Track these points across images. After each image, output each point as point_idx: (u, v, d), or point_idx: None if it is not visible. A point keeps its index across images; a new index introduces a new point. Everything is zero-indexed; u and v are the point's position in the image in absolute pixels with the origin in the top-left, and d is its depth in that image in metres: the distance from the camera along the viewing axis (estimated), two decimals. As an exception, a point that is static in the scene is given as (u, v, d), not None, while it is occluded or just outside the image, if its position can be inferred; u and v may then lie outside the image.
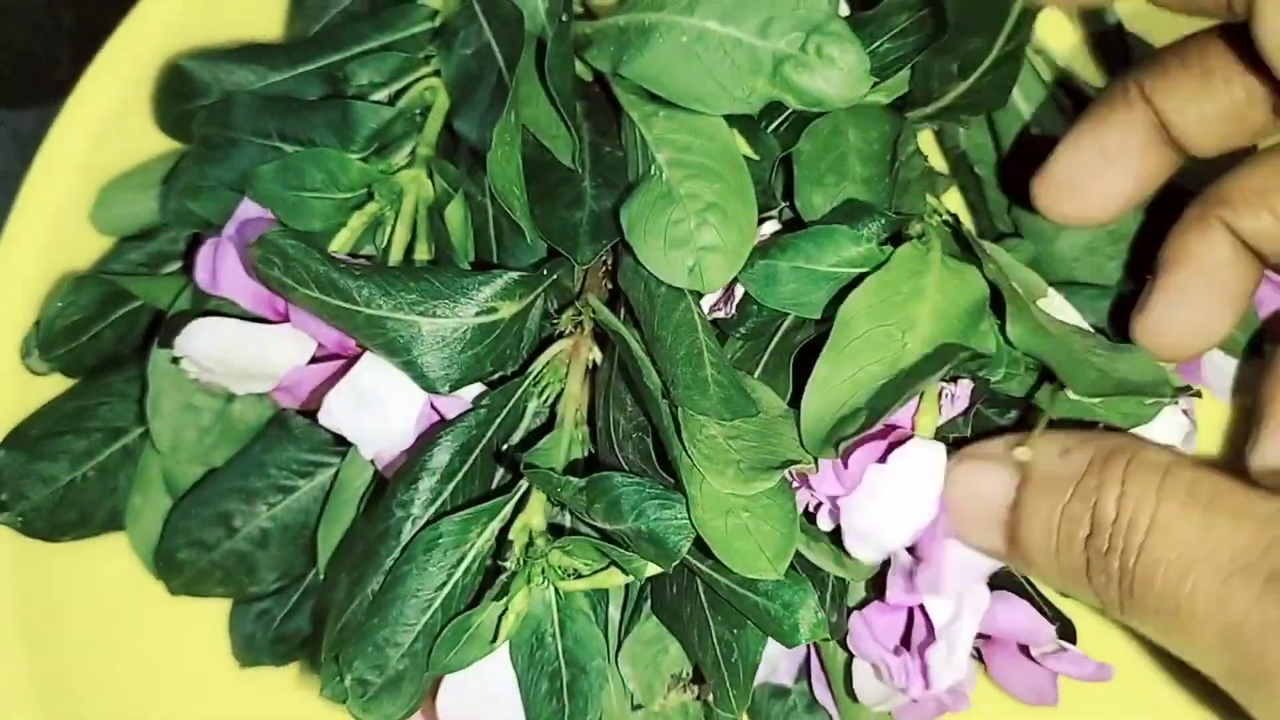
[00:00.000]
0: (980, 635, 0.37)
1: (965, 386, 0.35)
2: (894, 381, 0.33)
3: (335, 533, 0.39)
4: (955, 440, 0.35)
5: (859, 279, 0.35)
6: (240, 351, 0.37)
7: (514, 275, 0.36)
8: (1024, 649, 0.36)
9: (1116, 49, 0.43)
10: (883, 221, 0.36)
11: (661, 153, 0.36)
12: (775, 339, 0.36)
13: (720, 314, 0.38)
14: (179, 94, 0.42)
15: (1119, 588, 0.29)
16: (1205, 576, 0.27)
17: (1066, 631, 0.41)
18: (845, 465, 0.33)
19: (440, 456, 0.35)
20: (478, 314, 0.35)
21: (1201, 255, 0.34)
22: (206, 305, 0.39)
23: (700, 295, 0.36)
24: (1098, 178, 0.35)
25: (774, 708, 0.40)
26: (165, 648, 0.42)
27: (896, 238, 0.36)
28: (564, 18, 0.38)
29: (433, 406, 0.37)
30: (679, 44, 0.36)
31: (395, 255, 0.39)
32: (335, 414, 0.36)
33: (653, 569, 0.33)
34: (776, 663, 0.39)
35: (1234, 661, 0.27)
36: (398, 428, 0.36)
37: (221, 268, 0.38)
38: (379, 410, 0.36)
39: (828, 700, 0.39)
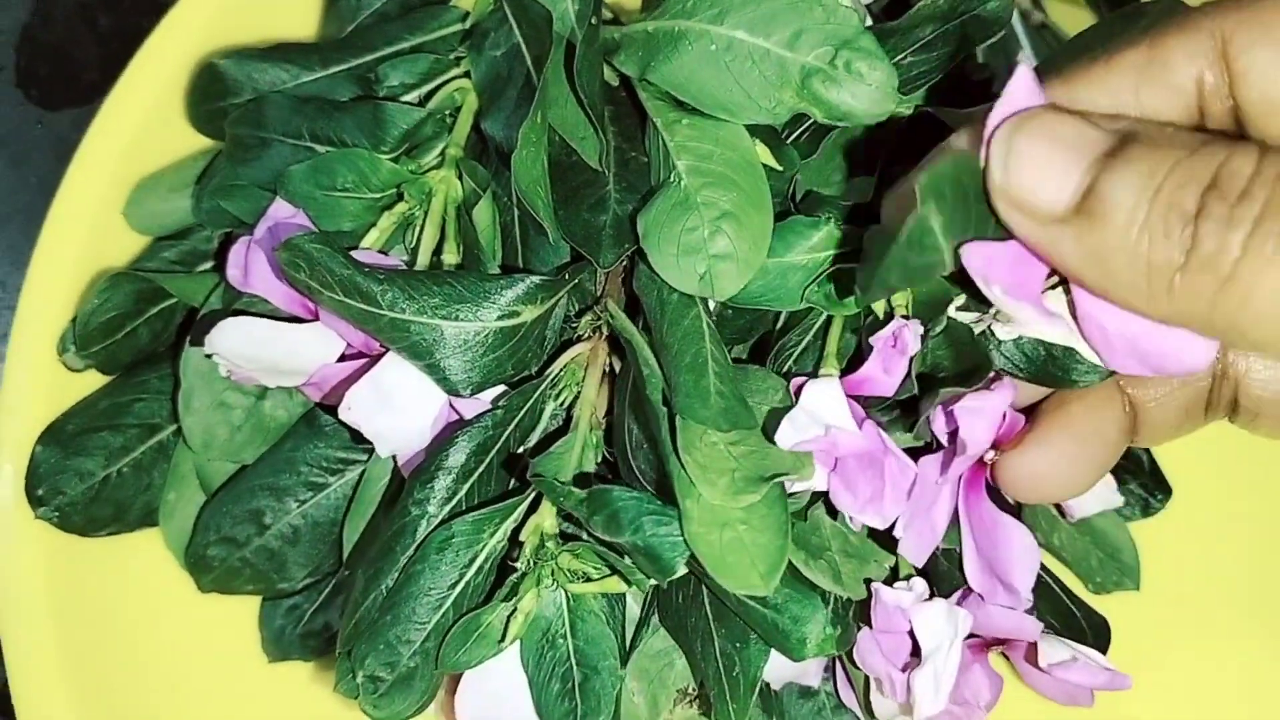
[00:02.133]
0: (998, 641, 0.38)
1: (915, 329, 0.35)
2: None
3: (359, 528, 0.41)
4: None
5: (825, 266, 0.37)
6: (270, 349, 0.39)
7: (536, 279, 0.37)
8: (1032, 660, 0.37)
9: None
10: (837, 210, 0.37)
11: (682, 160, 0.37)
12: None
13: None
14: (212, 93, 0.44)
15: (1249, 239, 0.24)
16: None
17: (1100, 632, 0.42)
18: None
19: (456, 456, 0.37)
20: (500, 318, 0.37)
21: (1085, 421, 0.34)
22: (238, 303, 0.41)
23: (708, 303, 0.37)
24: (1062, 470, 0.34)
25: (802, 708, 0.41)
26: (198, 642, 0.44)
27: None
28: (593, 20, 0.40)
29: (451, 406, 0.38)
30: (707, 52, 0.37)
31: (424, 254, 0.41)
32: (355, 410, 0.37)
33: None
34: (805, 665, 0.40)
35: None
36: (415, 426, 0.38)
37: (253, 266, 0.40)
38: (398, 409, 0.37)
39: (853, 703, 0.40)
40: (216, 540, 0.42)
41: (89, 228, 0.45)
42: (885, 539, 0.36)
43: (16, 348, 0.44)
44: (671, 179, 0.37)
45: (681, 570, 0.33)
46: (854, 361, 0.36)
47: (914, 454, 0.34)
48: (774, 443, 0.33)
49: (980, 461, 0.33)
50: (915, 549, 0.34)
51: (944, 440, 0.34)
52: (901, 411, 0.36)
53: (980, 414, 0.32)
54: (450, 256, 0.41)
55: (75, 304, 0.44)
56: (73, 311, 0.44)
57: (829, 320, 0.37)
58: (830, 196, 0.37)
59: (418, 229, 0.42)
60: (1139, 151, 0.26)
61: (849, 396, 0.34)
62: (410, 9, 0.46)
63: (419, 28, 0.45)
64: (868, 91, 0.36)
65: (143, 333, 0.43)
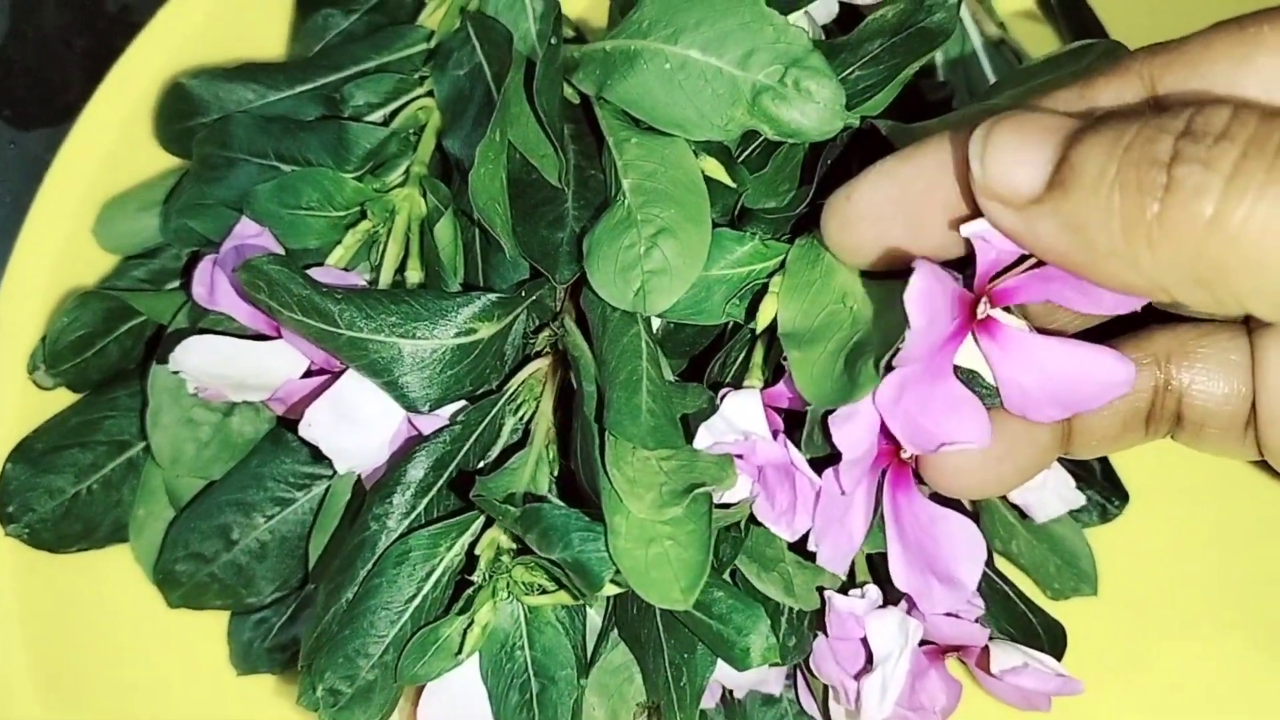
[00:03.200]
0: (954, 647, 0.39)
1: None
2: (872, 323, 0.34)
3: (323, 544, 0.42)
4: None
5: (749, 280, 0.38)
6: (235, 366, 0.40)
7: (493, 297, 0.38)
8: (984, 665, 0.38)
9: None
10: (765, 223, 0.38)
11: (628, 178, 0.38)
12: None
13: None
14: (180, 112, 0.45)
15: (1234, 170, 0.24)
16: None
17: (1056, 638, 0.43)
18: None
19: (415, 472, 0.38)
20: (457, 335, 0.38)
21: (1017, 420, 0.33)
22: (204, 320, 0.42)
23: (649, 321, 0.38)
24: (986, 467, 0.34)
25: (765, 715, 0.42)
26: (167, 656, 0.45)
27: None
28: (553, 40, 0.41)
29: (410, 421, 0.39)
30: (662, 71, 0.38)
31: (387, 272, 0.42)
32: (315, 428, 0.38)
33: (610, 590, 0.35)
34: (765, 673, 0.41)
35: None
36: (374, 443, 0.39)
37: (218, 284, 0.41)
38: (357, 426, 0.38)
39: (814, 710, 0.41)
40: (185, 556, 0.43)
41: (60, 247, 0.46)
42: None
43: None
44: (618, 197, 0.38)
45: (610, 586, 0.34)
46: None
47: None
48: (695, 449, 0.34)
49: (902, 461, 0.34)
50: (833, 558, 0.34)
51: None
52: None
53: (852, 419, 0.32)
54: (414, 274, 0.42)
55: (46, 323, 0.45)
56: (43, 330, 0.45)
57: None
58: (762, 211, 0.38)
59: (382, 246, 0.43)
60: (1108, 121, 0.27)
61: (770, 408, 0.35)
62: (377, 29, 0.47)
63: (384, 47, 0.46)
64: (816, 109, 0.37)
65: (112, 350, 0.45)
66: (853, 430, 0.32)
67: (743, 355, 0.38)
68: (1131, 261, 0.26)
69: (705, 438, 0.34)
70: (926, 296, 0.29)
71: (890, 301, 0.32)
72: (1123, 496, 0.45)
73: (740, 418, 0.34)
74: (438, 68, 0.44)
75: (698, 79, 0.38)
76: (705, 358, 0.39)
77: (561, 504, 0.36)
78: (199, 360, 0.39)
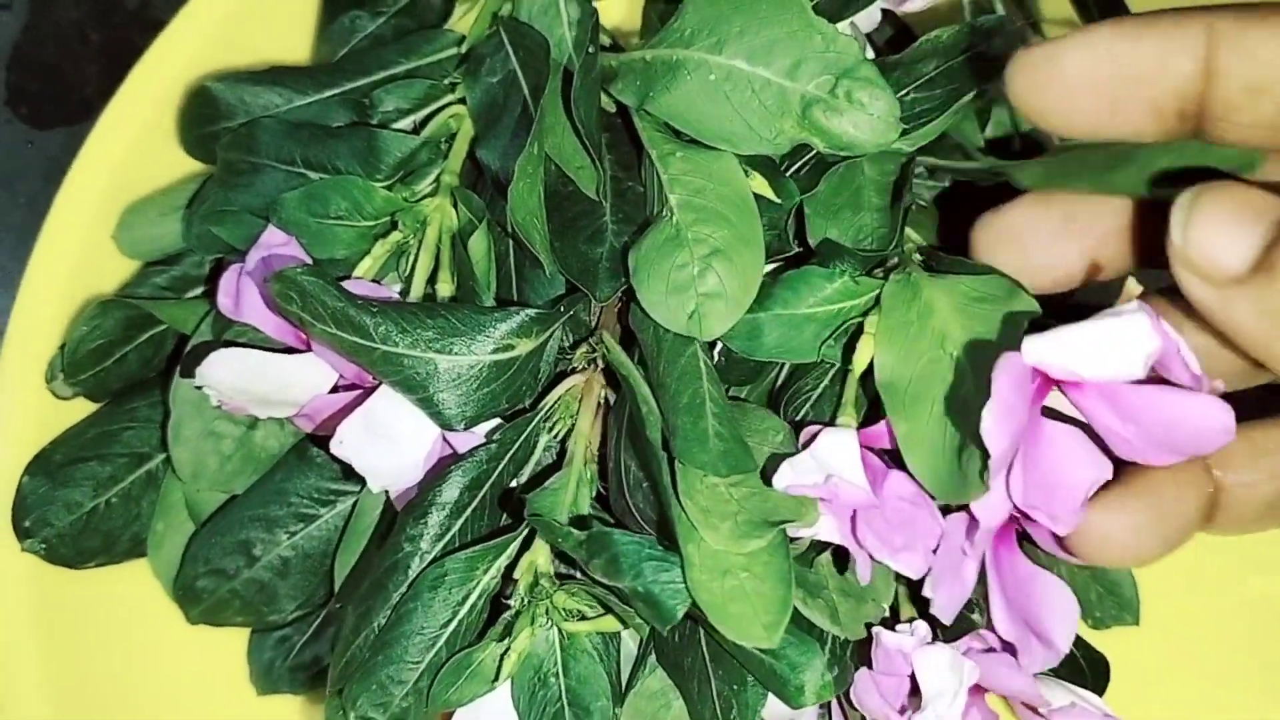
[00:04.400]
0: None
1: None
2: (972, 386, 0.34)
3: (350, 562, 0.42)
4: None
5: (841, 319, 0.37)
6: (262, 381, 0.39)
7: (531, 312, 0.38)
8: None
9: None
10: (854, 259, 0.37)
11: (675, 194, 0.37)
12: (775, 388, 0.38)
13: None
14: (204, 116, 0.45)
15: None
16: None
17: (1099, 670, 0.42)
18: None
19: (449, 491, 0.38)
20: (494, 351, 0.37)
21: (1167, 491, 0.33)
22: (228, 332, 0.41)
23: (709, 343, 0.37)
24: (1049, 243, 0.34)
25: (798, 747, 0.42)
26: (186, 673, 0.45)
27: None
28: (590, 49, 0.40)
29: (445, 439, 0.38)
30: (706, 82, 0.38)
31: (418, 283, 0.41)
32: (347, 445, 0.38)
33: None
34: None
35: None
36: (408, 461, 0.38)
37: (244, 295, 0.40)
38: (391, 443, 0.38)
39: None
40: (205, 572, 0.42)
41: (78, 252, 0.45)
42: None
43: (4, 375, 0.44)
44: (664, 213, 0.37)
45: (681, 617, 0.33)
46: (872, 411, 0.36)
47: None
48: (771, 486, 0.34)
49: (1011, 517, 0.34)
50: (947, 607, 0.34)
51: None
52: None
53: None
54: (445, 286, 0.41)
55: (64, 330, 0.45)
56: (61, 338, 0.44)
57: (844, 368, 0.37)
58: (847, 247, 0.37)
59: (412, 257, 0.42)
60: None
61: (866, 448, 0.34)
62: (405, 32, 0.46)
63: (413, 51, 0.45)
64: (870, 121, 0.36)
65: (132, 359, 0.44)
66: (991, 503, 0.32)
67: (819, 387, 0.37)
68: None
69: (786, 476, 0.33)
70: (1005, 415, 0.29)
71: (990, 350, 0.32)
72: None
73: (833, 458, 0.33)
74: (469, 74, 0.43)
75: (744, 90, 0.37)
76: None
77: (627, 529, 0.35)
78: (225, 374, 0.39)
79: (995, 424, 0.30)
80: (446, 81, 0.45)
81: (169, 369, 0.44)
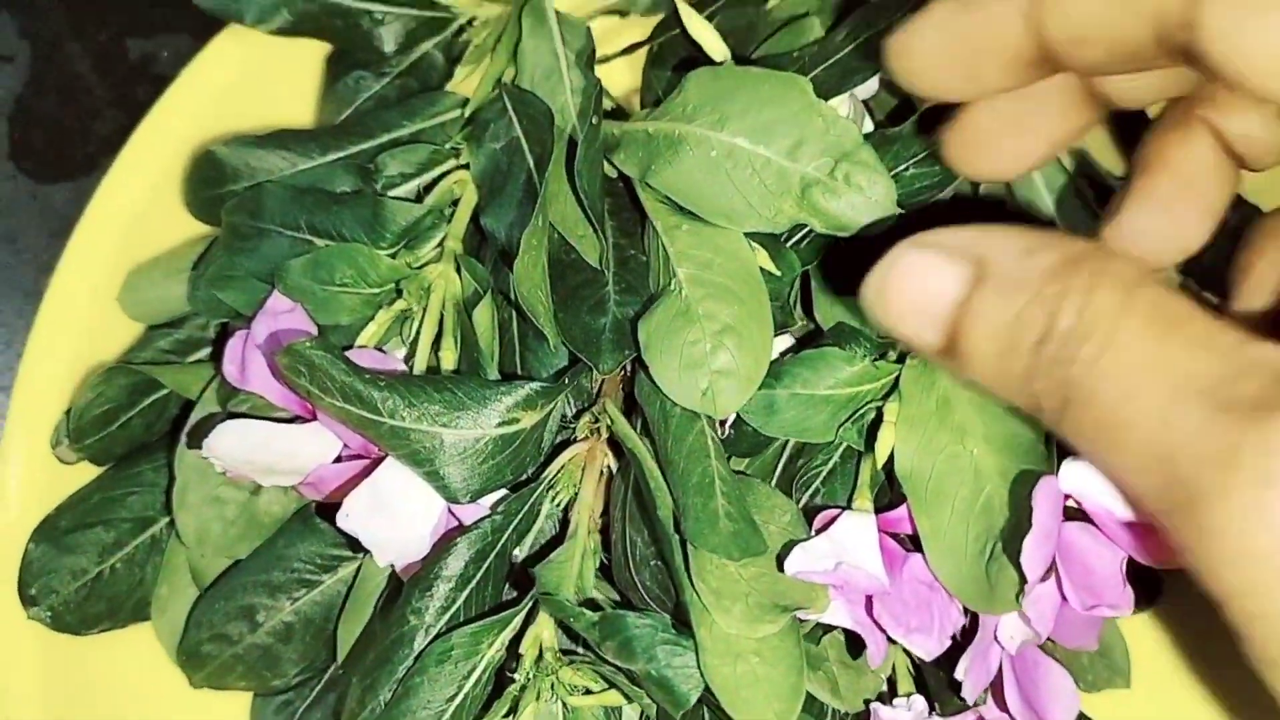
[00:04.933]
0: None
1: None
2: (1004, 491, 0.35)
3: (354, 630, 0.42)
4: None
5: (859, 403, 0.38)
6: (268, 451, 0.40)
7: (536, 385, 0.38)
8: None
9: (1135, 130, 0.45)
10: (869, 344, 0.38)
11: (683, 268, 0.38)
12: (780, 463, 0.38)
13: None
14: (210, 180, 0.45)
15: (1061, 398, 0.28)
16: (1153, 396, 0.26)
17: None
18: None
19: (455, 564, 0.38)
20: (499, 425, 0.38)
21: (1182, 159, 0.34)
22: (233, 400, 0.42)
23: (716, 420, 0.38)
24: (1013, 135, 0.35)
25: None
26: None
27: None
28: (594, 120, 0.41)
29: (449, 510, 0.39)
30: (708, 158, 0.38)
31: (422, 352, 0.42)
32: (354, 518, 0.38)
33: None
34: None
35: (1163, 484, 0.26)
36: (415, 535, 0.39)
37: (250, 363, 0.41)
38: (398, 516, 0.38)
39: None
40: (209, 637, 0.43)
41: (83, 315, 0.45)
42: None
43: (10, 440, 0.44)
44: (672, 287, 0.38)
45: (693, 703, 0.34)
46: (886, 493, 0.37)
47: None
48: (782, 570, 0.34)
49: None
50: (975, 690, 0.35)
51: None
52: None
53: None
54: (448, 354, 0.42)
55: (69, 393, 0.45)
56: (66, 401, 0.45)
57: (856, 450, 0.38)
58: (864, 332, 0.38)
59: (416, 324, 0.42)
60: (984, 305, 0.29)
61: (885, 533, 0.34)
62: (408, 94, 0.47)
63: (416, 114, 0.46)
64: (867, 204, 0.37)
65: (136, 424, 0.44)
66: (1041, 612, 0.34)
67: (829, 463, 0.38)
68: (1010, 396, 0.29)
69: (798, 561, 0.34)
70: (1044, 540, 0.30)
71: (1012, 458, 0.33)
72: (1156, 590, 0.45)
73: (850, 544, 0.34)
74: (473, 140, 0.44)
75: (745, 168, 0.38)
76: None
77: (643, 612, 0.36)
78: (232, 446, 0.39)
79: (1036, 550, 0.31)
80: (449, 146, 0.45)
81: (173, 432, 0.44)
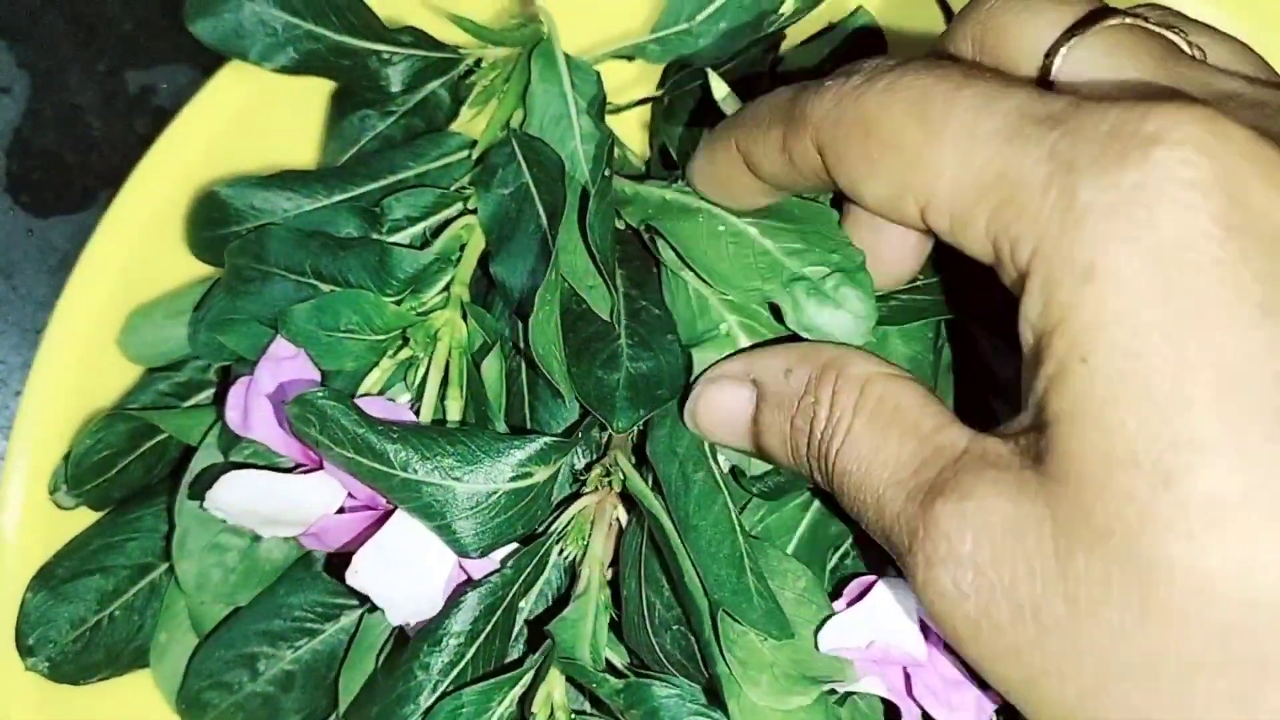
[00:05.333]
0: None
1: None
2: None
3: (357, 679, 0.42)
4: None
5: None
6: (271, 500, 0.39)
7: (549, 439, 0.38)
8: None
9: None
10: None
11: (734, 315, 0.39)
12: (803, 524, 0.38)
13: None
14: (212, 220, 0.45)
15: (831, 488, 0.34)
16: (872, 484, 0.32)
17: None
18: None
19: (463, 619, 0.38)
20: (512, 479, 0.37)
21: (872, 241, 0.37)
22: (234, 450, 0.41)
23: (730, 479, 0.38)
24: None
25: None
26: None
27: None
28: (606, 173, 0.40)
29: (460, 565, 0.38)
30: (715, 230, 0.39)
31: (428, 399, 0.41)
32: (364, 574, 0.38)
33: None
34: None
35: (892, 551, 0.31)
36: (427, 591, 0.38)
37: (253, 410, 0.40)
38: (408, 572, 0.38)
39: None
40: (209, 685, 0.42)
41: (82, 358, 0.45)
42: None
43: (7, 486, 0.43)
44: (721, 330, 0.39)
45: None
46: None
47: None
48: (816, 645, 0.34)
49: None
50: None
51: None
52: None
53: None
54: (454, 404, 0.41)
55: (67, 437, 0.44)
56: (65, 445, 0.44)
57: None
58: None
59: (421, 371, 0.42)
60: (767, 421, 0.36)
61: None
62: (414, 134, 0.46)
63: (423, 155, 0.46)
64: (844, 319, 0.37)
65: (135, 469, 0.44)
66: None
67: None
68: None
69: (834, 639, 0.34)
70: None
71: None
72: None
73: (888, 616, 0.34)
74: (481, 184, 0.43)
75: (745, 249, 0.39)
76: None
77: (667, 680, 0.36)
78: (235, 497, 0.39)
79: None
80: (454, 189, 0.45)
81: (173, 476, 0.44)
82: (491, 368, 0.41)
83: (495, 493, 0.37)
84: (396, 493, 0.37)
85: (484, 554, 0.38)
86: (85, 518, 0.44)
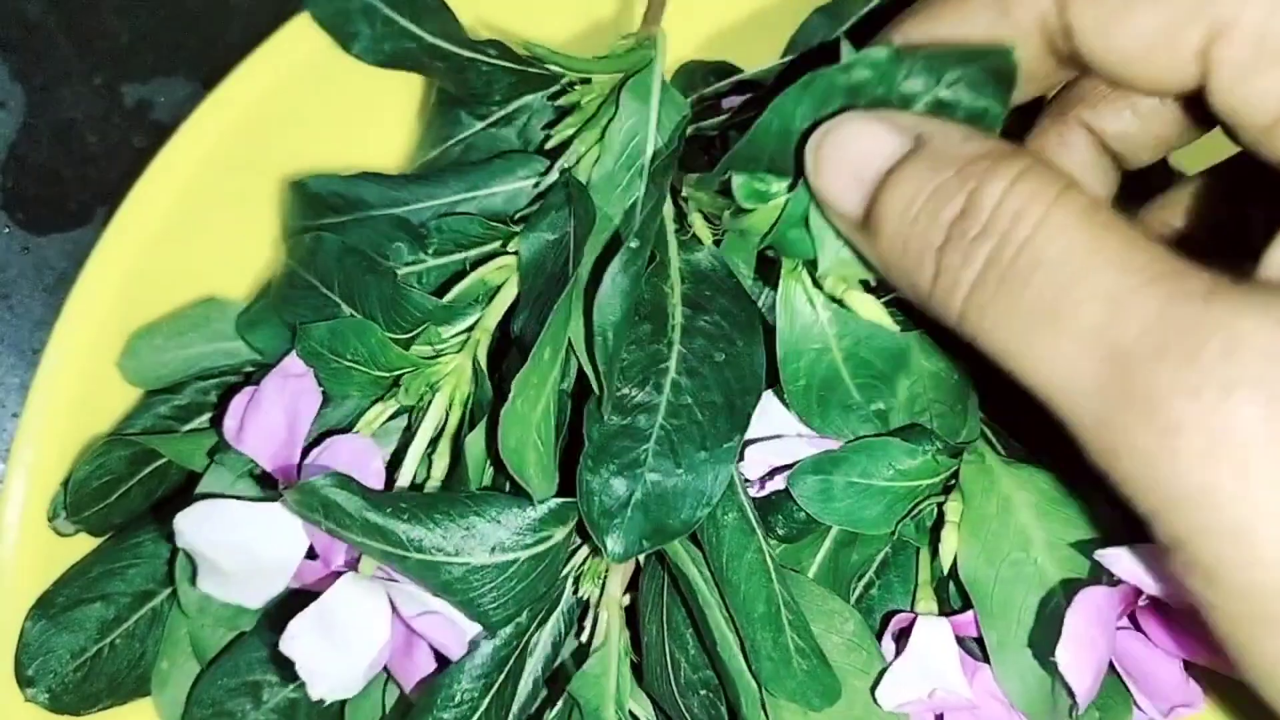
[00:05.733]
0: None
1: None
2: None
3: (365, 712, 0.42)
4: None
5: (916, 497, 0.37)
6: (241, 534, 0.38)
7: (562, 499, 0.37)
8: None
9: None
10: (940, 443, 0.37)
11: None
12: (821, 551, 0.38)
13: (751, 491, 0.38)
14: (308, 213, 0.43)
15: (979, 277, 0.27)
16: (1102, 285, 0.25)
17: None
18: None
19: (478, 665, 0.37)
20: (531, 545, 0.37)
21: (1062, 161, 0.34)
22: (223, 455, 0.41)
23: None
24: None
25: None
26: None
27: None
28: (634, 243, 0.37)
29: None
30: None
31: (412, 453, 0.40)
32: (296, 641, 0.36)
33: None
34: None
35: (1107, 379, 0.25)
36: (352, 669, 0.37)
37: (249, 423, 0.39)
38: (340, 645, 0.36)
39: None
40: (212, 713, 0.42)
41: (81, 380, 0.44)
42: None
43: (4, 512, 0.43)
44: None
45: None
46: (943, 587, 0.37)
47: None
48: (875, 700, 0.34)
49: None
50: None
51: None
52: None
53: None
54: (440, 461, 0.40)
55: (67, 462, 0.44)
56: (64, 469, 0.43)
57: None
58: (933, 430, 0.37)
59: (418, 420, 0.41)
60: (910, 171, 0.29)
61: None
62: (501, 149, 0.45)
63: (493, 176, 0.44)
64: None
65: (135, 494, 0.43)
66: None
67: (879, 556, 0.38)
68: (922, 305, 0.29)
69: (896, 694, 0.33)
70: (1083, 649, 0.31)
71: (1076, 567, 0.34)
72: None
73: (936, 659, 0.33)
74: (529, 225, 0.41)
75: None
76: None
77: None
78: (205, 530, 0.37)
79: (1073, 660, 0.31)
80: (518, 217, 0.43)
81: (174, 501, 0.43)
82: (474, 447, 0.38)
83: (515, 561, 0.36)
84: (414, 573, 0.35)
85: (509, 623, 0.37)
86: (85, 544, 0.44)
